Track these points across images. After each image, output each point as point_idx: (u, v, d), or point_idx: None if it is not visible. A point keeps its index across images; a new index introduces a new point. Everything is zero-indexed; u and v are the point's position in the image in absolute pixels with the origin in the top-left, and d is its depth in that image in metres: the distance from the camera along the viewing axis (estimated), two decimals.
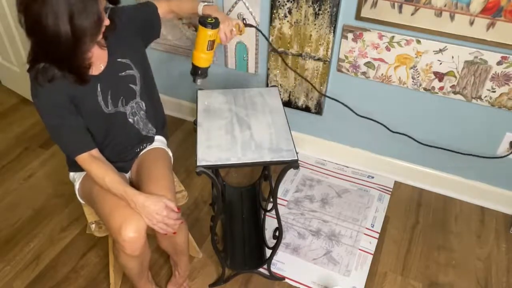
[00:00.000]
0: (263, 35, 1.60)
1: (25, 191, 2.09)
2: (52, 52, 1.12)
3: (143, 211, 1.26)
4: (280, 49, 1.95)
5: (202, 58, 1.42)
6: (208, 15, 1.40)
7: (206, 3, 1.45)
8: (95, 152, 1.31)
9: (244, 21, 1.47)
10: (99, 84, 1.28)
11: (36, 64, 1.17)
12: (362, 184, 2.12)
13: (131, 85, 1.36)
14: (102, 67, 1.29)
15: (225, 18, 1.41)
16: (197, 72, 1.47)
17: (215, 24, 1.36)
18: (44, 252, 1.80)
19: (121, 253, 1.31)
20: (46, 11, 1.04)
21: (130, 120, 1.41)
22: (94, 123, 1.32)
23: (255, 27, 1.57)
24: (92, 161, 1.29)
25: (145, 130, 1.47)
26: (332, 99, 1.97)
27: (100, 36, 1.19)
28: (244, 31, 1.47)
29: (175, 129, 2.45)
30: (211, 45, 1.40)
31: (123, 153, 1.45)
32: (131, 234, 1.23)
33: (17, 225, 1.91)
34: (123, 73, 1.33)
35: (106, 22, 1.17)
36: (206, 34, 1.36)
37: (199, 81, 1.49)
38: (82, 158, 1.28)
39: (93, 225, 1.44)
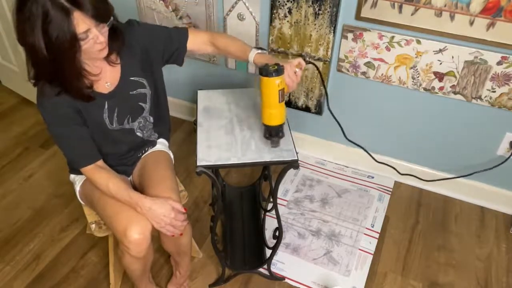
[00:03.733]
0: (319, 71, 1.37)
1: (25, 191, 2.09)
2: (39, 69, 1.11)
3: (149, 215, 1.25)
4: (280, 49, 1.95)
5: (275, 115, 1.22)
6: (263, 64, 1.23)
7: (259, 52, 1.29)
8: (100, 162, 1.30)
9: (303, 57, 1.27)
10: (107, 102, 1.26)
11: (40, 79, 1.15)
12: (362, 184, 2.12)
13: (140, 103, 1.34)
14: (109, 85, 1.26)
15: (284, 62, 1.24)
16: (273, 133, 1.25)
17: (280, 70, 1.17)
18: (44, 252, 1.80)
19: (125, 255, 1.30)
20: (24, 26, 1.03)
21: (138, 133, 1.41)
22: (96, 135, 1.30)
23: (313, 63, 1.37)
24: (97, 171, 1.28)
25: (148, 136, 1.47)
26: (356, 144, 2.02)
27: (97, 55, 1.14)
28: (303, 69, 1.30)
29: (175, 129, 2.45)
30: (282, 95, 1.20)
31: (125, 158, 1.45)
32: (136, 236, 1.22)
33: (17, 225, 1.91)
34: (134, 92, 1.31)
35: (100, 39, 1.08)
36: (274, 84, 1.17)
37: (279, 142, 1.29)
38: (87, 169, 1.28)
39: (93, 225, 1.44)
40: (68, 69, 1.11)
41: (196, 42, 1.36)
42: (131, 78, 1.29)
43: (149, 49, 1.30)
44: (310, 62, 1.36)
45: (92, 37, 1.07)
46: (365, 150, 2.07)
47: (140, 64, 1.30)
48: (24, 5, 1.01)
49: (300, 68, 1.27)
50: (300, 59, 1.27)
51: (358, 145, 2.06)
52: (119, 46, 1.21)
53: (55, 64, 1.07)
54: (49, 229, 1.90)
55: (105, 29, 1.10)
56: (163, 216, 1.26)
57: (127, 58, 1.27)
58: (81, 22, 1.03)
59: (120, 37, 1.20)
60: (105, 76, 1.25)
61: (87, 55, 1.12)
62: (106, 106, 1.27)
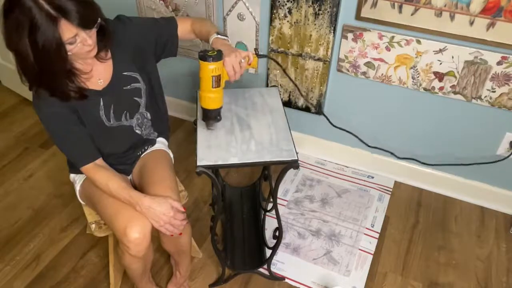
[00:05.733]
0: (278, 63, 1.44)
1: (25, 191, 2.09)
2: (27, 74, 1.11)
3: (149, 214, 1.25)
4: (280, 49, 1.95)
5: (210, 99, 1.27)
6: (211, 48, 1.27)
7: (218, 36, 1.31)
8: (99, 161, 1.30)
9: (256, 52, 1.31)
10: (101, 99, 1.27)
11: (29, 83, 1.15)
12: (362, 184, 2.12)
13: (135, 98, 1.35)
14: (102, 82, 1.27)
15: (232, 50, 1.26)
16: (208, 116, 1.31)
17: (217, 57, 1.21)
18: (44, 252, 1.80)
19: (125, 255, 1.31)
20: (12, 33, 1.03)
21: (137, 131, 1.41)
22: (96, 134, 1.31)
23: (268, 56, 1.40)
24: (96, 170, 1.29)
25: (148, 135, 1.47)
26: (342, 129, 2.03)
27: (86, 56, 1.15)
28: (256, 63, 1.30)
29: (175, 129, 2.45)
30: (217, 81, 1.24)
31: (125, 157, 1.45)
32: (136, 235, 1.23)
33: (17, 225, 1.91)
34: (128, 87, 1.31)
35: (89, 42, 1.09)
36: (208, 69, 1.21)
37: (212, 127, 1.35)
38: (87, 168, 1.28)
39: (93, 225, 1.44)
40: (57, 73, 1.11)
41: (183, 31, 1.38)
42: (124, 73, 1.30)
43: (141, 43, 1.31)
44: (262, 56, 1.38)
45: (81, 40, 1.08)
46: (355, 136, 2.05)
47: (132, 59, 1.31)
48: (11, 13, 1.01)
49: (248, 63, 1.29)
50: (249, 53, 1.28)
51: (346, 131, 2.04)
52: (108, 43, 1.21)
53: (42, 69, 1.07)
54: (49, 229, 1.90)
55: (93, 31, 1.10)
56: (162, 214, 1.26)
57: (118, 54, 1.28)
58: (67, 30, 1.03)
59: (107, 35, 1.19)
60: (97, 73, 1.25)
61: (76, 56, 1.13)
62: (101, 103, 1.27)
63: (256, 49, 1.35)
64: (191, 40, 1.44)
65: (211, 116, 1.32)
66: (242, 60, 1.25)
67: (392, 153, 2.06)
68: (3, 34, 1.06)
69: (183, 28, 1.38)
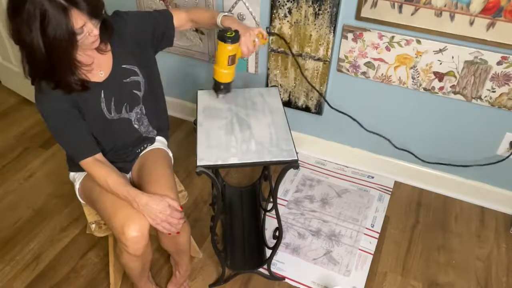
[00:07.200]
0: (286, 41, 1.51)
1: (25, 191, 2.09)
2: (35, 67, 1.13)
3: (146, 211, 1.26)
4: (280, 49, 1.95)
5: (224, 74, 1.39)
6: (227, 28, 1.34)
7: (225, 14, 1.38)
8: (98, 156, 1.31)
9: (268, 30, 1.39)
10: (102, 91, 1.28)
11: (34, 76, 1.17)
12: (362, 184, 2.12)
13: (135, 91, 1.36)
14: (103, 74, 1.28)
15: (245, 29, 1.34)
16: (219, 87, 1.44)
17: (235, 38, 1.30)
18: (44, 252, 1.80)
19: (124, 253, 1.31)
20: (21, 27, 1.05)
21: (136, 125, 1.41)
22: (96, 127, 1.32)
23: (278, 34, 1.50)
24: (96, 165, 1.29)
25: (147, 133, 1.48)
26: (341, 112, 2.03)
27: (89, 47, 1.18)
28: (267, 39, 1.39)
29: (175, 129, 2.45)
30: (232, 59, 1.35)
31: (124, 154, 1.45)
32: (134, 234, 1.23)
33: (17, 225, 1.91)
34: (127, 79, 1.33)
35: (94, 32, 1.13)
36: (226, 49, 1.31)
37: (221, 95, 1.48)
38: (86, 162, 1.29)
39: (93, 225, 1.44)
40: (63, 64, 1.14)
41: (178, 20, 1.42)
42: (123, 66, 1.32)
43: (139, 37, 1.34)
44: (273, 34, 1.45)
45: (87, 31, 1.11)
46: (353, 119, 2.03)
47: (131, 52, 1.33)
48: (20, 7, 1.03)
49: (264, 37, 1.38)
50: (260, 29, 1.38)
51: (344, 113, 2.03)
52: (109, 36, 1.25)
53: (51, 60, 1.10)
54: (49, 229, 1.90)
55: (99, 22, 1.14)
56: (159, 212, 1.27)
57: (118, 47, 1.30)
58: (78, 19, 1.07)
59: (109, 27, 1.23)
60: (98, 65, 1.27)
61: (80, 47, 1.16)
62: (102, 95, 1.29)
63: (268, 28, 1.41)
64: (186, 29, 1.46)
65: (223, 88, 1.44)
66: (256, 40, 1.34)
67: (389, 140, 2.04)
68: (10, 28, 1.07)
69: (179, 18, 1.42)
